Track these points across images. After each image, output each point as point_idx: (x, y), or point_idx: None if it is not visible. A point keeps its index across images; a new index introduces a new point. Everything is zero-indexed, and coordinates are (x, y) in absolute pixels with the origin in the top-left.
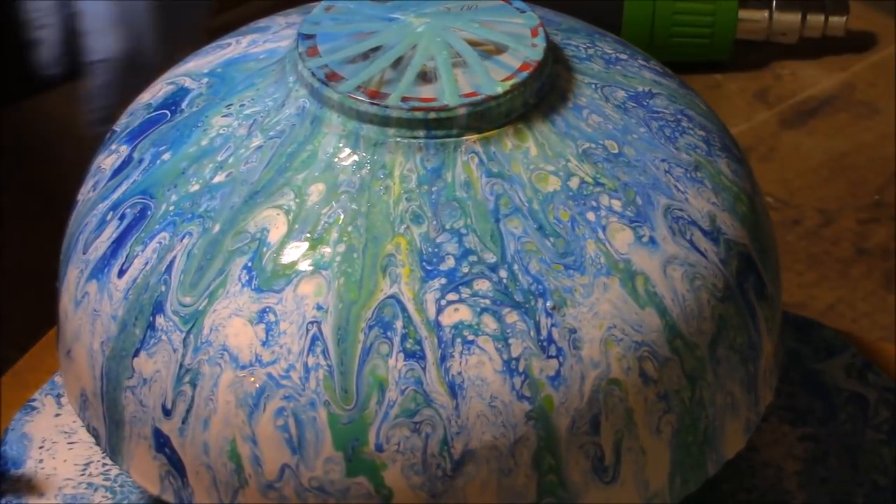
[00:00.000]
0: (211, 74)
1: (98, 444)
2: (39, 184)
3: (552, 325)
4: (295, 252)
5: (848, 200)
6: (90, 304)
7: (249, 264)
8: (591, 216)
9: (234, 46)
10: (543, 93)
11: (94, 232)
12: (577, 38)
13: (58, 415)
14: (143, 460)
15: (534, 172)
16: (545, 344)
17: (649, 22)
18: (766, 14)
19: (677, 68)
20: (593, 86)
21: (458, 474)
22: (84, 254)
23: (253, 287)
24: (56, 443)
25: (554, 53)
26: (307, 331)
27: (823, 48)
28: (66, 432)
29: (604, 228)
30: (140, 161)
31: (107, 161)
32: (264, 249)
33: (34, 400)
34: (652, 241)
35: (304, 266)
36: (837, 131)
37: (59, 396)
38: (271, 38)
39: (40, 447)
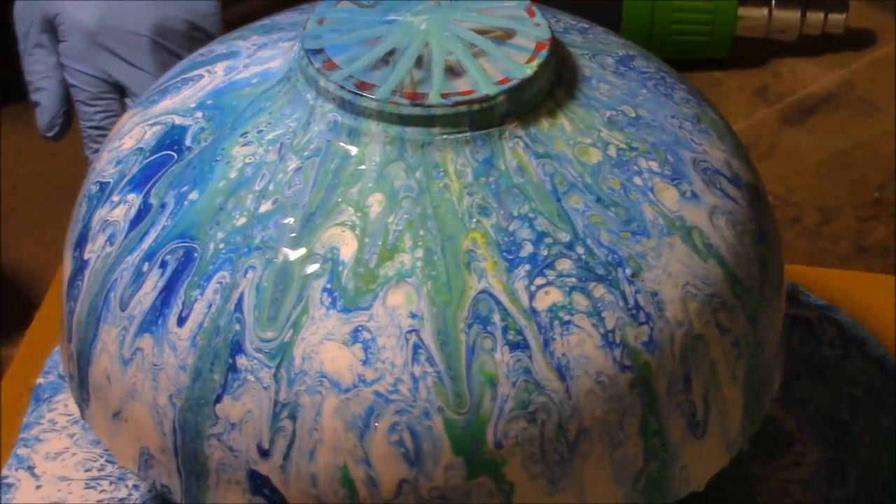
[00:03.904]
0: (203, 107)
1: (171, 498)
2: (39, 184)
3: (636, 291)
4: (373, 265)
5: (848, 198)
6: (147, 360)
7: (329, 286)
8: (637, 180)
9: (210, 77)
10: (558, 69)
11: (130, 286)
12: (545, 13)
13: (38, 486)
14: None
15: (575, 147)
16: (634, 312)
17: (649, 20)
18: (765, 11)
19: (677, 66)
20: (587, 56)
21: (575, 455)
22: (123, 310)
23: (339, 308)
24: None
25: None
26: (407, 341)
27: (823, 46)
28: (56, 502)
29: (651, 190)
30: (163, 206)
31: (114, 213)
32: (340, 268)
33: (6, 477)
34: (693, 195)
35: (388, 277)
36: (837, 129)
37: (30, 469)
38: (250, 61)
39: None
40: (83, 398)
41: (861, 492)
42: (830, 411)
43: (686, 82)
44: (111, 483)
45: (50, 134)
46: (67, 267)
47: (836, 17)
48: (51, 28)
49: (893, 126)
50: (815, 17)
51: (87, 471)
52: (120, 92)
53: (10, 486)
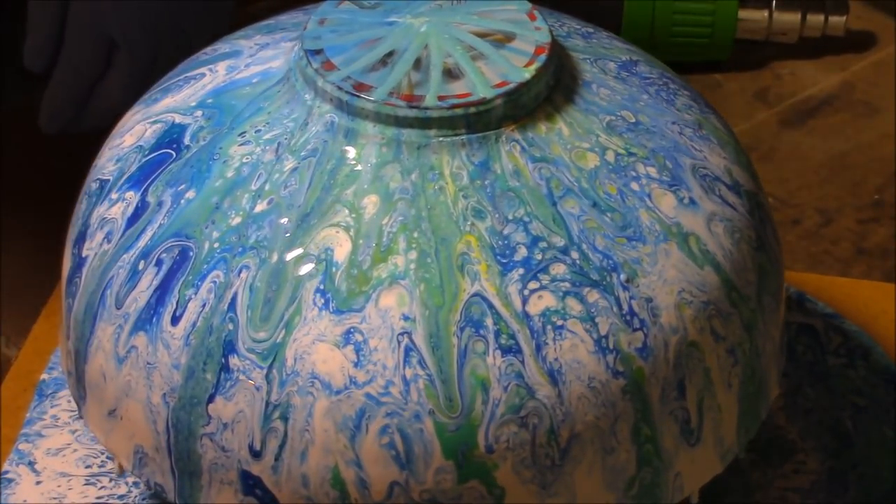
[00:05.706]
0: (203, 106)
1: (164, 497)
2: (38, 184)
3: (630, 297)
4: (367, 267)
5: (848, 200)
6: (141, 358)
7: (322, 287)
8: (635, 186)
9: (212, 76)
10: (558, 73)
11: (125, 284)
12: (549, 17)
13: (39, 482)
14: None
15: (572, 151)
16: (629, 318)
17: (649, 22)
18: (765, 14)
19: (677, 68)
20: (588, 61)
21: (566, 461)
22: (118, 308)
23: (331, 309)
24: None
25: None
26: (399, 343)
27: (823, 48)
28: (55, 498)
29: (649, 196)
30: (160, 204)
31: (112, 211)
32: (334, 270)
33: (7, 472)
34: (692, 201)
35: (381, 279)
36: (837, 131)
37: (31, 464)
38: (251, 61)
39: None
40: (80, 395)
41: (860, 502)
42: (833, 420)
43: (689, 89)
44: (111, 480)
45: (35, 68)
46: (67, 264)
47: (837, 20)
48: None
49: (894, 128)
50: (816, 19)
51: (87, 467)
52: (100, 77)
53: (10, 481)
